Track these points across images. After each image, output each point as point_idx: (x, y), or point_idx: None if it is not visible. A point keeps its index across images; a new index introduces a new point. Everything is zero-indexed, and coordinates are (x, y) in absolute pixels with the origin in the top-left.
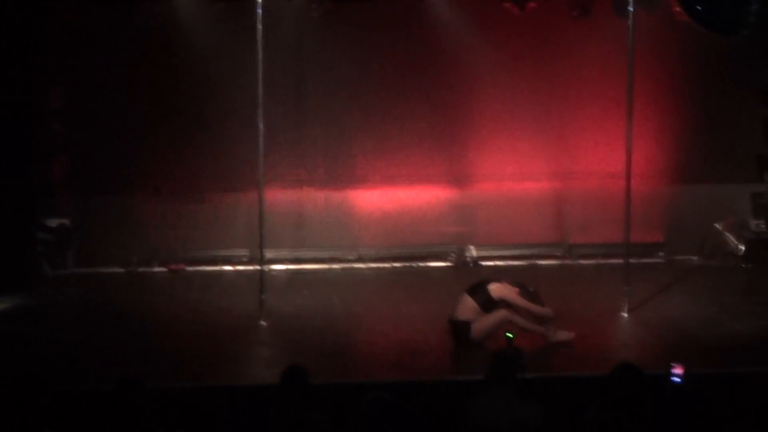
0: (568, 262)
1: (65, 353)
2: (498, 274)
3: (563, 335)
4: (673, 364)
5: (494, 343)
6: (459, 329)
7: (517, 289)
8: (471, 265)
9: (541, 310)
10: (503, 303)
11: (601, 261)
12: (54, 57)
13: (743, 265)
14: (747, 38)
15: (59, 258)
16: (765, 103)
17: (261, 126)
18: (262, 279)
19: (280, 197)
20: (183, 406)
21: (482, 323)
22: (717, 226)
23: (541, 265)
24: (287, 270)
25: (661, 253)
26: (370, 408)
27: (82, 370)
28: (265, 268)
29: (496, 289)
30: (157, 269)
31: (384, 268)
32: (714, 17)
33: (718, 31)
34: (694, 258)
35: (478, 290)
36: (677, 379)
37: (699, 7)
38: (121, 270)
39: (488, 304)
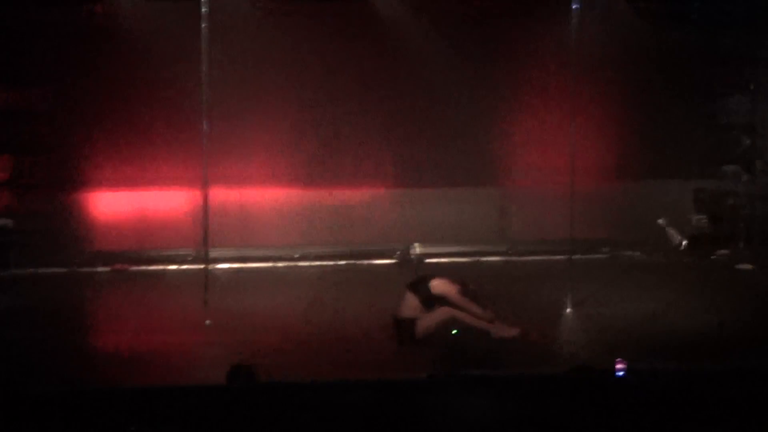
0: (512, 258)
1: (7, 355)
2: (441, 270)
3: (507, 332)
4: (618, 360)
5: (439, 341)
6: (403, 327)
7: (457, 287)
8: (415, 262)
9: (479, 311)
10: (444, 300)
11: (546, 257)
12: None
13: (685, 261)
14: (689, 35)
15: (0, 259)
16: (707, 99)
17: (205, 124)
18: (206, 278)
19: (224, 196)
20: (128, 408)
21: (426, 320)
22: (660, 221)
23: (485, 261)
24: (232, 269)
25: (605, 249)
26: (319, 406)
27: (25, 372)
28: (210, 267)
29: (437, 285)
30: (100, 269)
31: (328, 266)
32: (657, 14)
33: (661, 27)
34: (638, 254)
35: (420, 287)
36: (621, 374)
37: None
38: (63, 270)
39: (429, 300)
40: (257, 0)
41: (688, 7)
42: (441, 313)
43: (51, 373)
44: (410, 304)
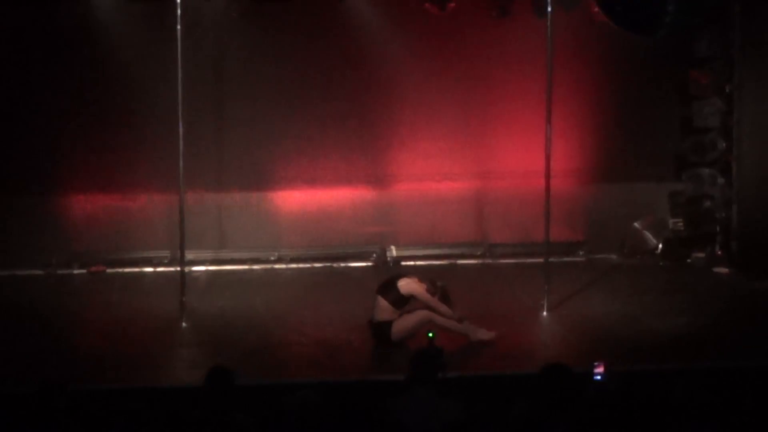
0: (488, 261)
1: None
2: (410, 270)
3: (484, 334)
4: (595, 363)
5: (415, 343)
6: (379, 330)
7: (425, 285)
8: (392, 265)
9: (448, 310)
10: (413, 299)
11: (522, 260)
12: None
13: (661, 263)
14: (664, 38)
15: None
16: (682, 102)
17: (181, 126)
18: (183, 280)
19: (200, 198)
20: (105, 409)
21: (402, 323)
22: (636, 224)
23: (461, 264)
24: (208, 271)
25: (581, 252)
26: (296, 407)
27: (2, 373)
28: (186, 269)
29: (404, 285)
30: (77, 271)
31: (305, 268)
32: (631, 17)
33: (635, 31)
34: (614, 256)
35: (388, 288)
36: (599, 377)
37: (618, 8)
38: (40, 272)
39: (399, 301)
40: (232, 1)
41: (662, 9)
42: (418, 316)
43: (27, 374)
44: (382, 306)
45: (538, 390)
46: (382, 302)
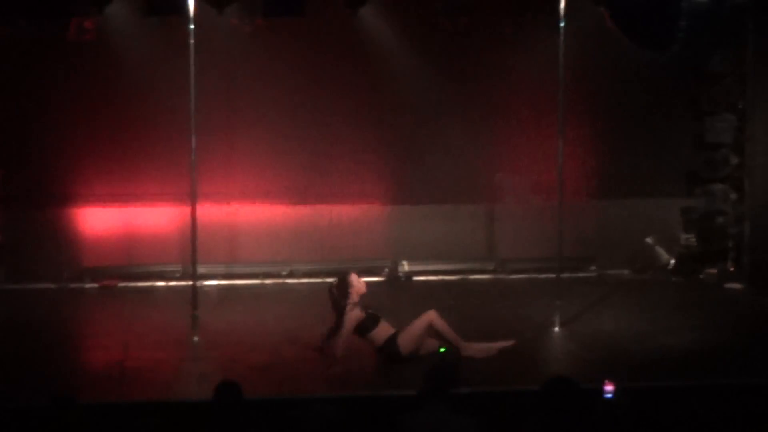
0: (500, 276)
1: None
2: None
3: (476, 351)
4: (605, 381)
5: (426, 349)
6: (388, 349)
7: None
8: (403, 279)
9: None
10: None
11: (534, 275)
12: None
13: (674, 279)
14: (676, 54)
15: None
16: (694, 118)
17: (193, 140)
18: (194, 294)
19: (212, 212)
20: (116, 423)
21: (407, 334)
22: (648, 240)
23: (473, 279)
24: (220, 285)
25: (593, 267)
26: (313, 421)
27: (14, 387)
28: (198, 283)
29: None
30: (88, 285)
31: (316, 283)
32: (644, 32)
33: (648, 46)
34: (626, 272)
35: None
36: (609, 396)
37: (631, 23)
38: (51, 286)
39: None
40: (245, 17)
41: (675, 25)
42: (419, 320)
43: (38, 388)
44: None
45: (542, 404)
46: (383, 325)
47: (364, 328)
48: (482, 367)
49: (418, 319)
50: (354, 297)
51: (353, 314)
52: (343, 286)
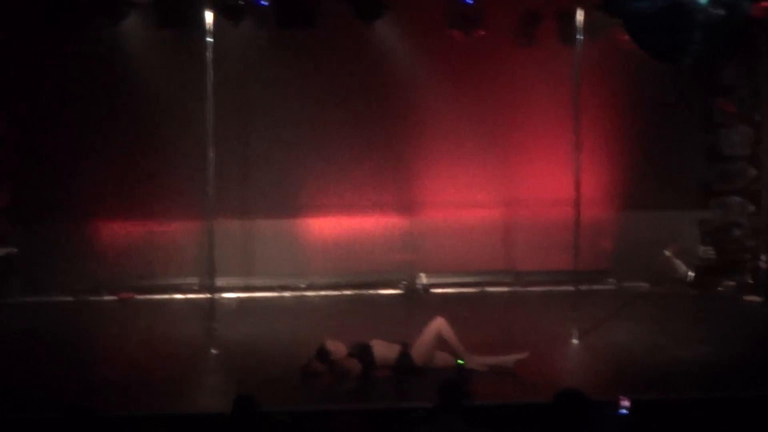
0: (517, 289)
1: (13, 382)
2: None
3: (479, 365)
4: (620, 397)
5: (440, 362)
6: (403, 362)
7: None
8: (421, 292)
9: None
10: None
11: (550, 288)
12: None
13: (691, 292)
14: (690, 66)
15: (5, 287)
16: (709, 130)
17: (211, 153)
18: (212, 307)
19: (230, 224)
20: None
21: (418, 344)
22: (666, 252)
23: (490, 292)
24: (237, 298)
25: (609, 280)
26: None
27: (31, 399)
28: (215, 296)
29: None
30: (106, 298)
31: (334, 295)
32: (658, 45)
33: (661, 58)
34: (643, 284)
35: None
36: (625, 411)
37: (644, 35)
38: (69, 298)
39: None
40: (259, 28)
41: (689, 37)
42: (429, 328)
43: (56, 400)
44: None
45: (552, 417)
46: (381, 346)
47: (366, 364)
48: (497, 379)
49: (427, 327)
50: (339, 356)
51: (348, 364)
52: (324, 356)
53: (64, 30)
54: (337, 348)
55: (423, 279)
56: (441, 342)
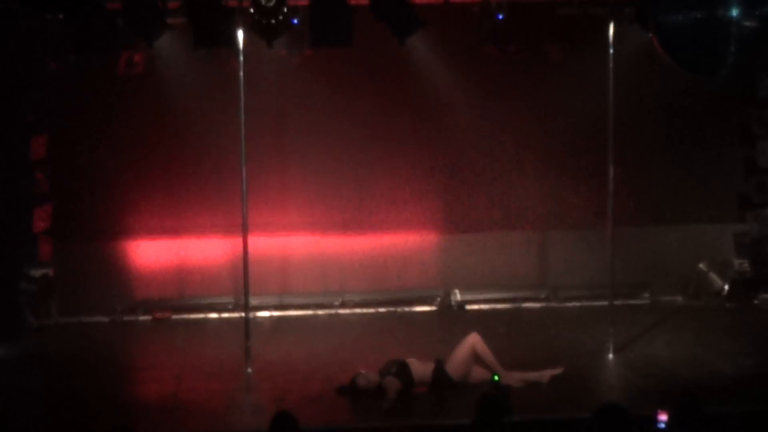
0: (552, 304)
1: (51, 404)
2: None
3: (515, 380)
4: (658, 410)
5: (477, 378)
6: (439, 378)
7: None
8: (456, 309)
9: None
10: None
11: (586, 303)
12: (36, 106)
13: (727, 305)
14: (725, 78)
15: (43, 308)
16: (744, 142)
17: (244, 171)
18: (247, 326)
19: (264, 243)
20: None
21: (454, 359)
22: (701, 266)
23: (525, 307)
24: (272, 317)
25: (646, 294)
26: None
27: (69, 420)
28: (250, 315)
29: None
30: (141, 317)
31: (369, 313)
32: (693, 57)
33: (697, 71)
34: (679, 298)
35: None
36: (663, 425)
37: (679, 48)
38: (105, 319)
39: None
40: (293, 48)
41: (724, 49)
42: (465, 343)
43: (94, 420)
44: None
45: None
46: (416, 364)
47: (405, 381)
48: (535, 394)
49: (462, 343)
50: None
51: (387, 383)
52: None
53: (97, 52)
54: (368, 381)
55: (457, 295)
56: (476, 358)
